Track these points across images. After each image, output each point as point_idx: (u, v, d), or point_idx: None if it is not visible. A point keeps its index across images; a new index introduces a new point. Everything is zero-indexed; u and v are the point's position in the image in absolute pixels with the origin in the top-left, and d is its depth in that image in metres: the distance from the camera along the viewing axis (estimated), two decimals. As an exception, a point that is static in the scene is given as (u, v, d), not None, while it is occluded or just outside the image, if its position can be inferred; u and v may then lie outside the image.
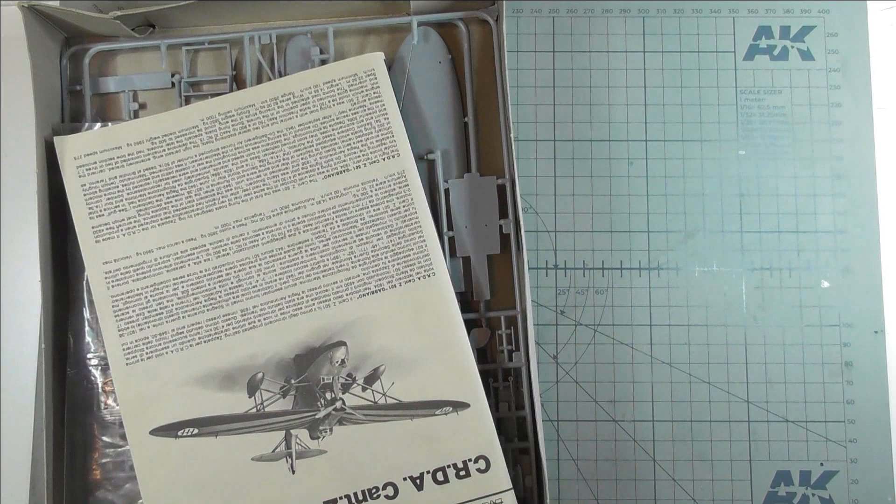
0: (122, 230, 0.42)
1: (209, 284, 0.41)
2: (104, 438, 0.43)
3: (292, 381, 0.40)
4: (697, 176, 0.47)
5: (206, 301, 0.41)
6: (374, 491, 0.39)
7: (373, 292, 0.41)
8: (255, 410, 0.40)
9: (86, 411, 0.43)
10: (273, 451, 0.40)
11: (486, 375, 0.43)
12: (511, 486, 0.40)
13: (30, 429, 0.45)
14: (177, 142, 0.43)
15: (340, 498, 0.39)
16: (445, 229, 0.44)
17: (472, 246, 0.44)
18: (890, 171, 0.47)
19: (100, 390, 0.43)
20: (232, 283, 0.41)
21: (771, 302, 0.46)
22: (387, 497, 0.39)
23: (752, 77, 0.48)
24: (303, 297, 0.41)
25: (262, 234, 0.42)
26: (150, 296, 0.41)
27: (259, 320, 0.41)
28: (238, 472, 0.40)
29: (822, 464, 0.45)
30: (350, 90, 0.43)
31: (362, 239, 0.41)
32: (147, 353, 0.41)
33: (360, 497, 0.39)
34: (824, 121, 0.47)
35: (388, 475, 0.40)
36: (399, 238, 0.41)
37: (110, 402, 0.43)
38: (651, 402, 0.45)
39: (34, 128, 0.43)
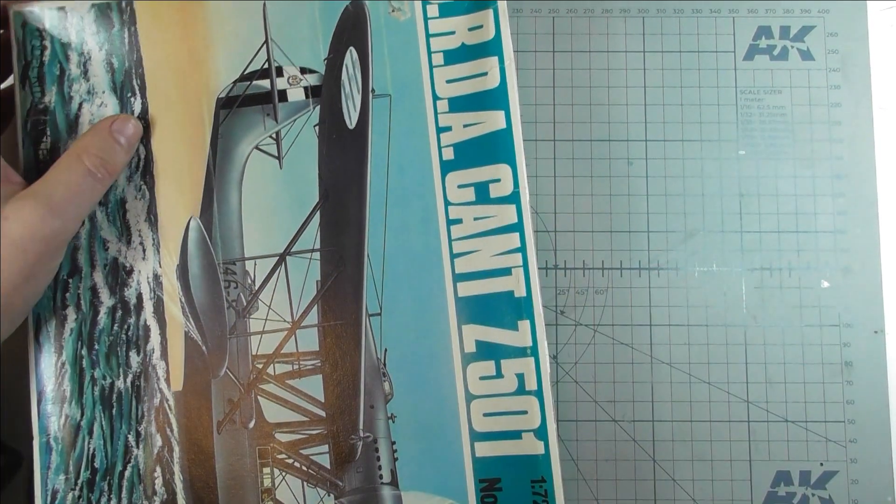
0: None
1: None
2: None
3: None
4: (697, 176, 0.47)
5: None
6: None
7: None
8: None
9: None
10: None
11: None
12: None
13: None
14: None
15: None
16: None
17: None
18: (890, 171, 0.47)
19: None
20: None
21: (771, 302, 0.46)
22: None
23: (752, 77, 0.48)
24: None
25: None
26: None
27: None
28: None
29: (821, 464, 0.45)
30: None
31: None
32: None
33: None
34: (824, 121, 0.47)
35: None
36: None
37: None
38: (651, 403, 0.45)
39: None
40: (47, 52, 0.39)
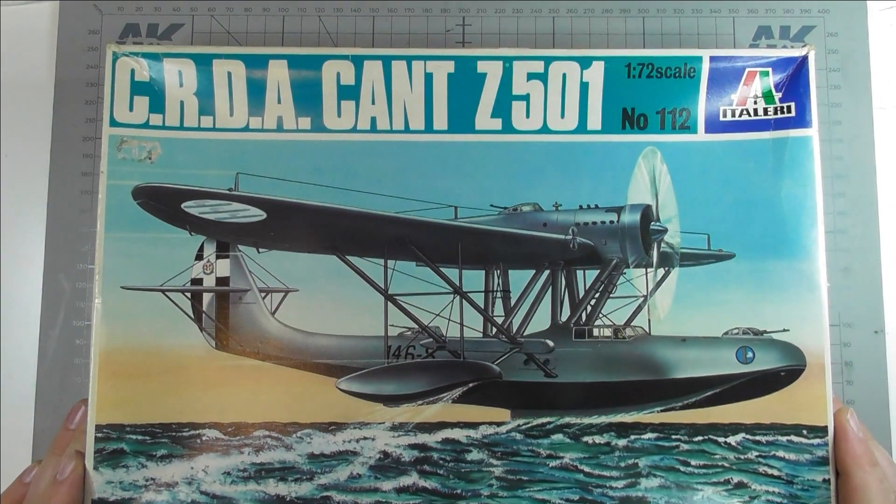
0: None
1: None
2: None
3: None
4: (697, 176, 0.47)
5: None
6: None
7: None
8: None
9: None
10: None
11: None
12: None
13: (30, 429, 0.45)
14: None
15: None
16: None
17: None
18: (890, 171, 0.47)
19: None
20: None
21: (771, 302, 0.46)
22: None
23: (752, 77, 0.48)
24: None
25: None
26: None
27: None
28: None
29: (822, 464, 0.44)
30: None
31: None
32: None
33: None
34: (824, 121, 0.47)
35: None
36: None
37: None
38: (651, 402, 0.45)
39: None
40: None
